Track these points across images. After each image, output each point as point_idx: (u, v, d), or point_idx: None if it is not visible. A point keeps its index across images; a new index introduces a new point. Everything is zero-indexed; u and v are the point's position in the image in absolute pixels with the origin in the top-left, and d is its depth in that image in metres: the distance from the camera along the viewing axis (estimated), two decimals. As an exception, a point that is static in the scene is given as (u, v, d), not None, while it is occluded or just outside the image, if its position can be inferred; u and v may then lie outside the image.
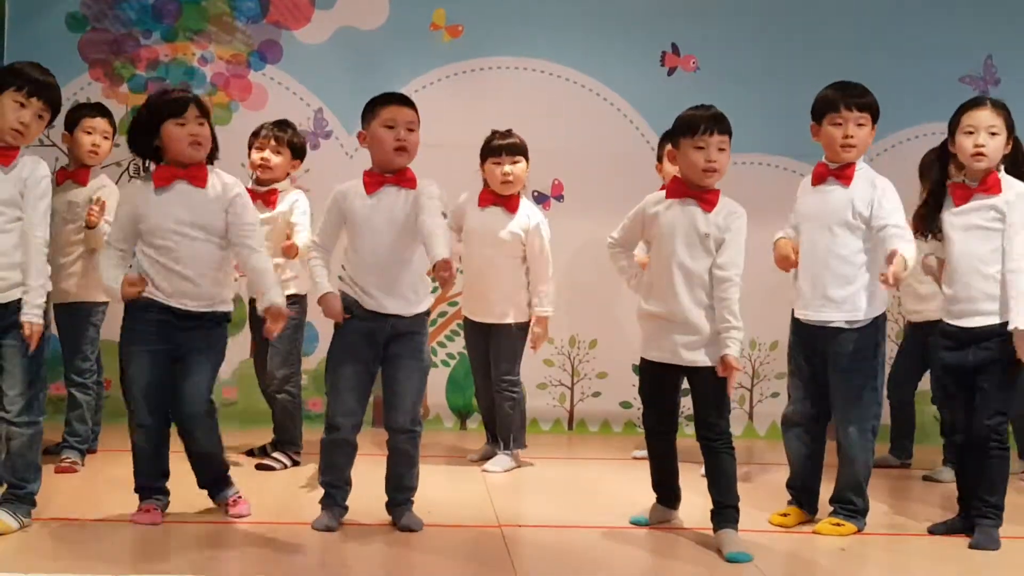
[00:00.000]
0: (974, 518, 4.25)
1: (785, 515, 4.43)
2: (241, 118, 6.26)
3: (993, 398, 4.19)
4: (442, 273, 3.81)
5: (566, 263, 5.92)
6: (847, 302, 4.26)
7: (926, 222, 4.36)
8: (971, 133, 4.18)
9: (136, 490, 4.18)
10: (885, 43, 6.51)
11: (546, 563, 3.91)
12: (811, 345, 4.34)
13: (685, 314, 4.03)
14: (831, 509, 4.37)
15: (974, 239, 4.20)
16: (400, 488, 4.22)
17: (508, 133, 5.35)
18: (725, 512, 4.08)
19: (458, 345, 6.41)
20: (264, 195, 5.19)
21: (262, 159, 5.25)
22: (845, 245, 4.27)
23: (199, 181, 4.10)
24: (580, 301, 6.25)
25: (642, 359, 4.22)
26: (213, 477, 4.27)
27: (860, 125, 4.33)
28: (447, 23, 6.48)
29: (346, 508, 4.19)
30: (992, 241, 4.16)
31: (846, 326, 4.26)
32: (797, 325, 4.40)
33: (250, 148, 5.32)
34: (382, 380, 4.21)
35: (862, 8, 6.58)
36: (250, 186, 5.05)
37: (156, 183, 4.09)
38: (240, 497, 4.26)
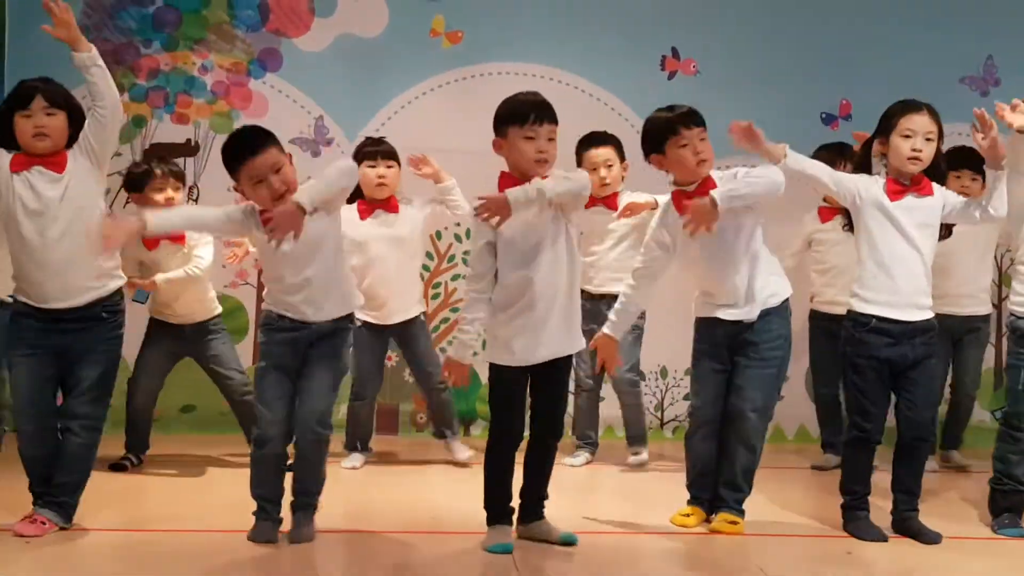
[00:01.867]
0: (904, 512, 4.33)
1: (687, 515, 4.41)
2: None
3: (932, 391, 4.43)
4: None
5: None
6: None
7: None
8: (909, 137, 4.21)
9: None
10: (885, 45, 6.52)
11: (551, 569, 3.90)
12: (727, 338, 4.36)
13: None
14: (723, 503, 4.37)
15: (926, 236, 4.23)
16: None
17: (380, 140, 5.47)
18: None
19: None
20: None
21: (167, 198, 5.18)
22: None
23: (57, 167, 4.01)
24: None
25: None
26: None
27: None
28: (447, 30, 6.48)
29: (280, 520, 4.08)
30: (932, 238, 4.26)
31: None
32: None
33: (139, 189, 5.24)
34: (297, 384, 4.07)
35: (862, 11, 6.58)
36: None
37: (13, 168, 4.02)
38: None
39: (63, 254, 3.97)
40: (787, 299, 4.39)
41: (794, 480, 5.34)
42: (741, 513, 4.34)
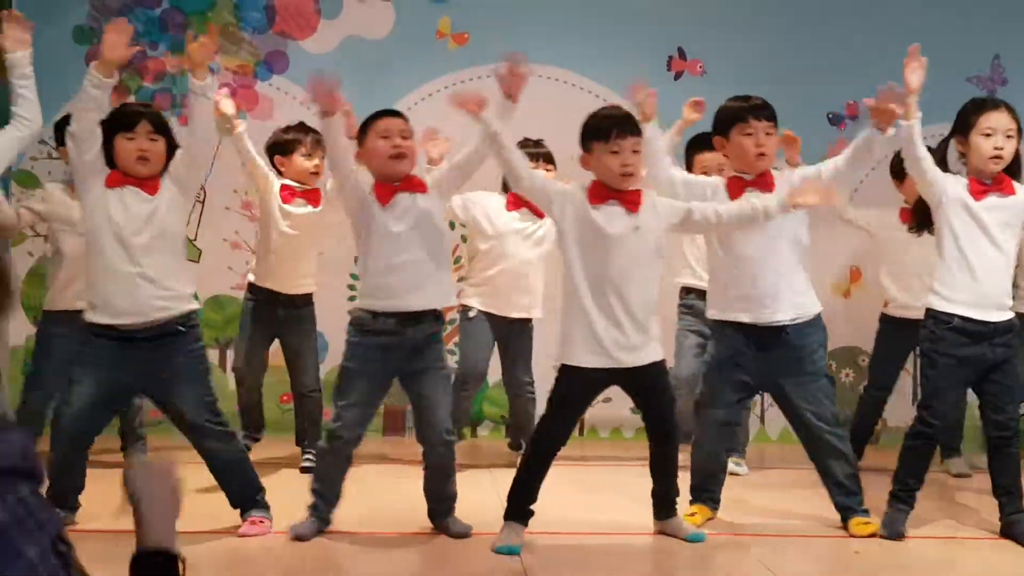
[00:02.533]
0: (1010, 515, 4.29)
1: (692, 514, 4.42)
2: (248, 128, 6.25)
3: (1014, 390, 4.29)
4: None
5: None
6: None
7: (927, 217, 4.39)
8: (990, 135, 4.18)
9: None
10: (892, 44, 6.45)
11: (558, 569, 3.91)
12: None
13: None
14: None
15: (1008, 236, 4.22)
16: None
17: (539, 143, 5.52)
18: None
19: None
20: (310, 193, 5.29)
21: (316, 166, 5.29)
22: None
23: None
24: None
25: None
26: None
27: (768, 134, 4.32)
28: (453, 31, 6.48)
29: (329, 521, 4.15)
30: (1016, 237, 4.23)
31: None
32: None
33: (287, 154, 5.32)
34: (408, 394, 4.21)
35: (868, 10, 6.57)
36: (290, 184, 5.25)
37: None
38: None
39: (133, 274, 4.01)
40: (820, 313, 4.36)
41: (795, 481, 5.32)
42: (867, 512, 4.32)
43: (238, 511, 4.20)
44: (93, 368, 4.05)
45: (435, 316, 4.20)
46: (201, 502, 4.38)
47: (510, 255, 5.43)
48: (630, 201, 4.06)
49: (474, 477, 5.34)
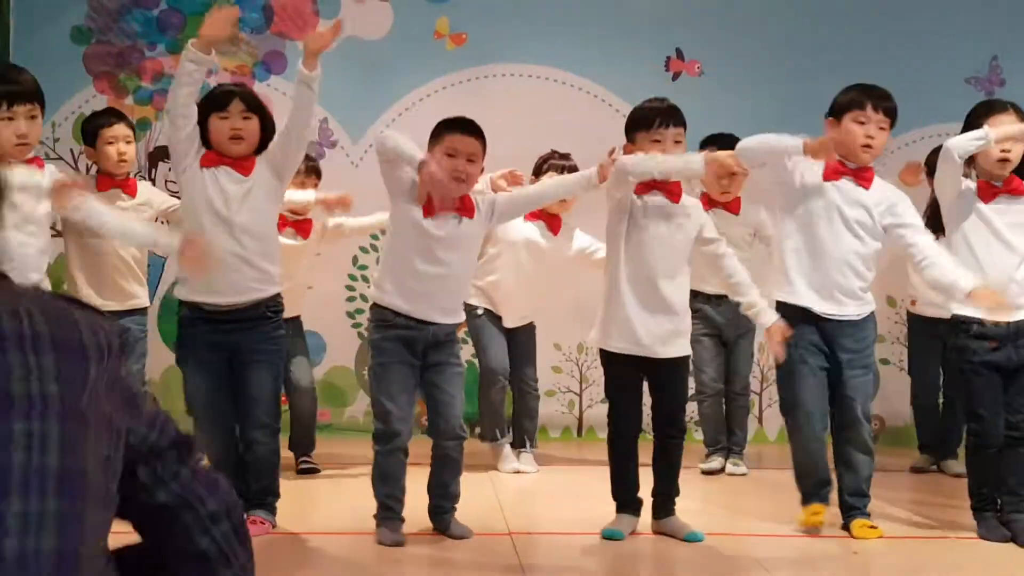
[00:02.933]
0: (1010, 513, 4.27)
1: (816, 513, 4.32)
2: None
3: None
4: None
5: (574, 270, 5.91)
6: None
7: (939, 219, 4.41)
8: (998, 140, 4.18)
9: None
10: (891, 45, 6.51)
11: (556, 570, 3.90)
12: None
13: None
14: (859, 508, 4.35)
15: (1021, 236, 4.22)
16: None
17: (567, 156, 5.52)
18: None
19: (467, 353, 6.38)
20: (299, 224, 5.24)
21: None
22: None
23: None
24: (588, 308, 6.22)
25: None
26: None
27: (881, 128, 4.29)
28: (451, 31, 6.48)
29: (403, 519, 4.13)
30: None
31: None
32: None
33: None
34: (424, 388, 4.19)
35: (867, 10, 6.57)
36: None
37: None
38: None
39: (229, 252, 4.02)
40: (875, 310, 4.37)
41: (793, 481, 5.32)
42: (869, 515, 4.33)
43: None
44: (193, 351, 4.13)
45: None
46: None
47: (516, 264, 5.41)
48: (672, 192, 4.15)
49: (476, 477, 5.33)
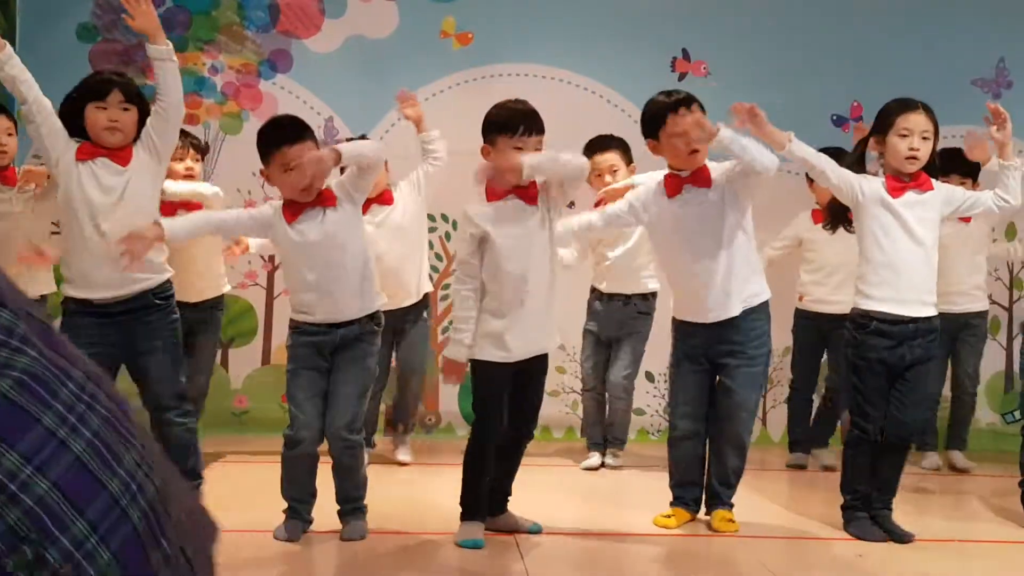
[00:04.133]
0: (878, 509, 4.34)
1: (669, 516, 4.42)
2: (252, 127, 6.23)
3: (924, 393, 4.44)
4: None
5: (579, 271, 5.90)
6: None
7: (841, 215, 4.53)
8: (906, 136, 4.23)
9: None
10: (897, 46, 6.50)
11: (560, 571, 3.90)
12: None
13: None
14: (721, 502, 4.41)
15: (928, 231, 4.25)
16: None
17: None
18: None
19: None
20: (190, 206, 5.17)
21: (187, 168, 5.23)
22: None
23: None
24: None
25: None
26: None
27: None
28: (457, 31, 6.48)
29: (310, 521, 4.13)
30: (935, 233, 4.25)
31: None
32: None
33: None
34: (329, 385, 4.10)
35: (873, 13, 6.56)
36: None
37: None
38: None
39: (111, 247, 3.97)
40: (767, 300, 4.37)
41: (796, 483, 5.33)
42: (732, 507, 4.39)
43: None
44: (80, 347, 4.02)
45: (369, 317, 4.11)
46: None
47: (384, 254, 5.26)
48: (529, 196, 4.07)
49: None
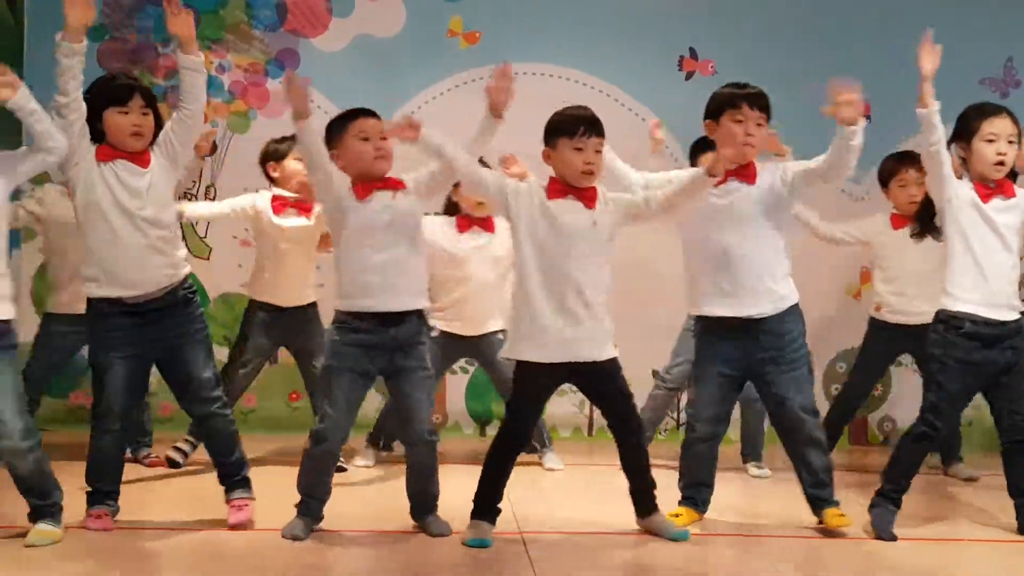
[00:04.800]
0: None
1: (677, 515, 4.40)
2: (259, 126, 6.28)
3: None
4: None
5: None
6: None
7: (930, 224, 4.53)
8: (993, 141, 4.21)
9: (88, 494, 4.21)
10: (904, 46, 6.44)
11: (567, 570, 3.89)
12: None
13: None
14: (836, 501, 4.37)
15: (1014, 237, 4.25)
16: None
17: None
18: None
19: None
20: (302, 204, 5.24)
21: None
22: None
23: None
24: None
25: None
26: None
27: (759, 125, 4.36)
28: (464, 30, 6.48)
29: (321, 518, 4.16)
30: (1019, 239, 4.26)
31: None
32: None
33: (279, 159, 5.30)
34: (391, 393, 4.19)
35: (881, 12, 6.56)
36: (279, 194, 5.17)
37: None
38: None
39: (141, 246, 4.04)
40: (797, 303, 4.35)
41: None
42: (838, 503, 4.34)
43: (224, 496, 4.26)
44: (115, 347, 4.08)
45: (418, 316, 4.15)
46: (187, 498, 4.39)
47: (472, 276, 5.38)
48: (587, 197, 4.10)
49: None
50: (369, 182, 4.08)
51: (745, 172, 4.28)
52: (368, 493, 4.70)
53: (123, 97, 4.05)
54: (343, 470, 5.26)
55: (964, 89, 6.34)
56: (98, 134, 4.06)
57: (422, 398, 4.14)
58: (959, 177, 4.30)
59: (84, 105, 3.98)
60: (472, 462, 5.59)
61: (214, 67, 6.39)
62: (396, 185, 4.13)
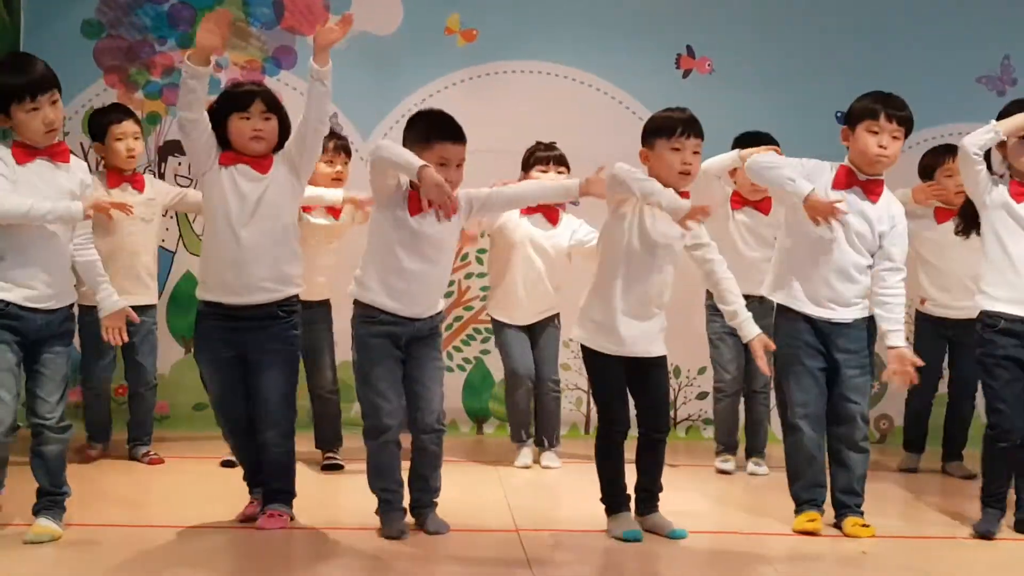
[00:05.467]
0: None
1: (812, 520, 4.34)
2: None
3: None
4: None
5: (582, 268, 5.91)
6: None
7: (974, 219, 4.49)
8: None
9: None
10: (902, 44, 6.49)
11: (565, 567, 3.90)
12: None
13: None
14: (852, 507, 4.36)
15: None
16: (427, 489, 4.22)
17: (551, 146, 5.56)
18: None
19: (474, 350, 6.41)
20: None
21: (337, 173, 5.28)
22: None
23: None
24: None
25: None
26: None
27: (895, 138, 4.30)
28: (461, 28, 6.47)
29: (405, 510, 4.17)
30: None
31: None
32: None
33: None
34: (404, 382, 4.18)
35: (878, 9, 6.55)
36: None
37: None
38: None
39: (251, 252, 4.05)
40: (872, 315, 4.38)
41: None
42: (863, 514, 4.35)
43: (253, 496, 4.27)
44: (210, 348, 4.16)
45: (437, 314, 4.21)
46: (207, 496, 4.39)
47: (527, 262, 5.45)
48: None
49: (483, 474, 5.34)
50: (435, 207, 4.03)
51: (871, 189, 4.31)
52: (367, 490, 4.68)
53: (245, 103, 4.09)
54: (340, 467, 5.26)
55: (961, 87, 6.38)
56: (223, 139, 4.11)
57: (434, 385, 4.18)
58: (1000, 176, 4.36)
59: (207, 121, 4.05)
60: (469, 460, 5.62)
61: (211, 65, 6.37)
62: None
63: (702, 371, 6.26)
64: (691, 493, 4.96)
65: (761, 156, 4.50)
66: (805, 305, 4.32)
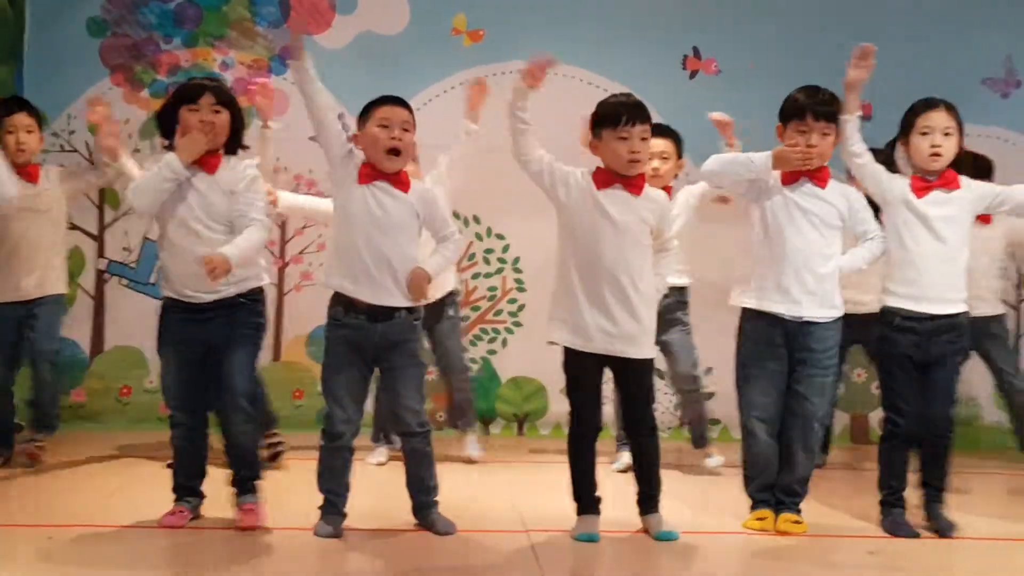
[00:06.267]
0: (929, 501, 4.41)
1: (763, 519, 4.38)
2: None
3: (951, 389, 4.38)
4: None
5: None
6: None
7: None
8: (927, 134, 4.29)
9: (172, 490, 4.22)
10: (907, 45, 6.50)
11: (575, 567, 3.90)
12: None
13: None
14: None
15: (953, 230, 4.28)
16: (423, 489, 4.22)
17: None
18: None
19: (480, 350, 6.41)
20: None
21: None
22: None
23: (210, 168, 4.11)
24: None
25: None
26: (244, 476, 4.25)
27: (825, 135, 4.34)
28: (468, 28, 6.48)
29: (345, 515, 4.17)
30: (961, 231, 4.29)
31: None
32: None
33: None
34: (382, 387, 4.19)
35: (884, 10, 6.57)
36: None
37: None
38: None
39: (203, 247, 4.00)
40: (842, 315, 4.38)
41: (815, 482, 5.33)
42: (800, 512, 4.38)
43: (231, 494, 4.23)
44: (169, 341, 4.15)
45: (408, 311, 4.14)
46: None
47: None
48: (634, 186, 4.12)
49: (490, 476, 5.34)
50: (377, 170, 4.10)
51: (819, 176, 4.32)
52: (373, 490, 4.69)
53: (194, 95, 4.08)
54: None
55: (966, 89, 6.38)
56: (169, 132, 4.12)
57: (407, 393, 4.13)
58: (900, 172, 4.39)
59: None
60: (476, 460, 5.62)
61: (217, 64, 6.39)
62: (402, 184, 4.14)
63: (708, 372, 6.26)
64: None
65: (709, 162, 4.44)
66: (775, 304, 4.28)
